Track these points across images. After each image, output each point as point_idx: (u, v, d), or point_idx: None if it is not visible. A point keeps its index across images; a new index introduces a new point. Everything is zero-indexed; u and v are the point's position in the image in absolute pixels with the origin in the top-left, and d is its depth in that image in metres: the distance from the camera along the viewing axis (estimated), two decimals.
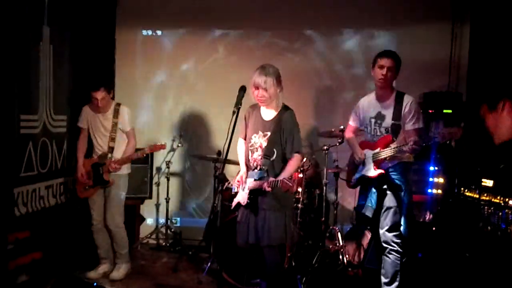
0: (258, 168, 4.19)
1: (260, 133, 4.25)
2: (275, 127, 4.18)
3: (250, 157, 4.31)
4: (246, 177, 4.28)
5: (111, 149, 5.05)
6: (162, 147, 5.19)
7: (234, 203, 4.39)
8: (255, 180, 4.16)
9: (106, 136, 5.06)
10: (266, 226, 4.17)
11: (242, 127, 4.46)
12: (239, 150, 4.50)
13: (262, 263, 4.43)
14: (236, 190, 4.43)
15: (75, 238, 5.41)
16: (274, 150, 4.16)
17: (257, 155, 4.24)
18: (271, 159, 4.16)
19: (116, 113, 5.06)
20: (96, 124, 5.09)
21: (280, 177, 4.00)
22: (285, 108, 4.27)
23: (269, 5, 6.45)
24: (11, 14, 4.40)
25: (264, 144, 4.19)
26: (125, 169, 5.16)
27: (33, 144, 4.81)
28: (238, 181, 4.37)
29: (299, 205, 5.14)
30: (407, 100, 4.34)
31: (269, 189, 4.03)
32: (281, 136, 4.17)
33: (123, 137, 5.13)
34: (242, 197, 4.26)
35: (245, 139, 4.47)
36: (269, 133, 4.19)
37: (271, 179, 4.04)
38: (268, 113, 4.29)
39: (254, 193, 4.18)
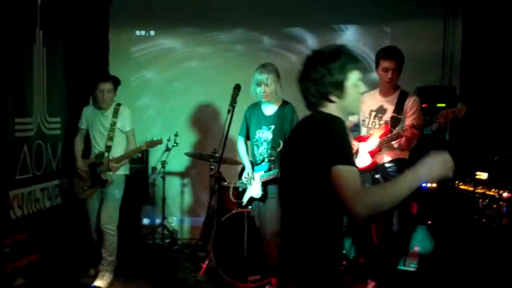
0: (266, 160, 4.42)
1: (264, 127, 4.50)
2: (277, 120, 4.44)
3: (255, 152, 4.56)
4: (253, 172, 4.54)
5: (108, 148, 4.98)
6: (159, 142, 5.12)
7: (246, 199, 4.60)
8: (265, 171, 4.42)
9: (105, 135, 5.01)
10: (274, 215, 4.33)
11: (243, 125, 4.71)
12: (241, 149, 4.75)
13: (261, 259, 4.53)
14: (244, 187, 4.67)
15: (72, 239, 5.41)
16: (280, 141, 4.41)
17: (263, 148, 4.49)
18: (278, 150, 4.40)
19: (116, 113, 5.03)
20: (95, 124, 5.04)
21: None
22: (285, 102, 4.54)
23: (263, 4, 6.46)
24: (3, 17, 4.39)
25: (270, 136, 4.44)
26: (123, 170, 5.08)
27: (28, 147, 4.81)
28: (246, 178, 4.58)
29: None
30: (411, 98, 4.41)
31: None
32: (283, 128, 4.42)
33: (122, 137, 5.07)
34: (254, 191, 4.49)
35: (245, 138, 4.68)
36: (273, 126, 4.44)
37: None
38: (270, 108, 4.54)
39: (267, 185, 4.44)
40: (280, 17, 6.45)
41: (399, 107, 4.37)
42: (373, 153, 4.39)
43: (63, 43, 5.51)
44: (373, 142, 4.39)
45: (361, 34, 6.43)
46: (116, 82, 5.05)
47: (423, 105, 5.57)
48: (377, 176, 4.40)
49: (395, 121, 4.36)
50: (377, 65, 4.42)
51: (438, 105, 5.66)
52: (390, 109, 4.41)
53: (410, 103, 4.36)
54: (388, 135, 4.31)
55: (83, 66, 5.88)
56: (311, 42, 6.49)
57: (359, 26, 6.43)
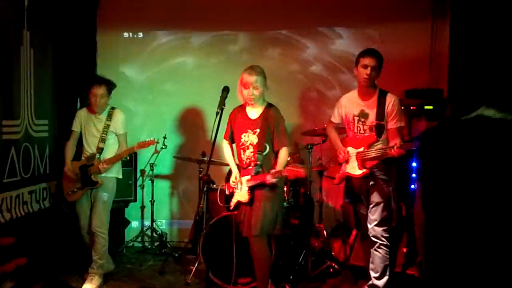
0: (253, 164, 4.36)
1: (249, 131, 4.43)
2: (263, 123, 4.38)
3: (242, 156, 4.49)
4: (240, 176, 4.47)
5: (100, 150, 4.98)
6: (151, 142, 5.09)
7: (233, 204, 4.53)
8: (252, 176, 4.35)
9: (97, 137, 5.02)
10: (258, 216, 4.32)
11: (227, 129, 4.65)
12: (226, 153, 4.68)
13: (250, 261, 4.52)
14: (230, 191, 4.59)
15: (60, 243, 5.37)
16: (266, 145, 4.37)
17: (249, 152, 4.42)
18: (264, 154, 4.36)
19: (110, 116, 5.05)
20: (89, 126, 5.05)
21: (277, 169, 4.25)
22: (269, 105, 4.50)
23: (251, 7, 6.44)
24: None
25: (255, 140, 4.38)
26: (115, 172, 5.09)
27: (15, 150, 4.76)
28: (234, 182, 4.51)
29: (285, 203, 5.16)
30: (390, 99, 4.40)
31: (274, 180, 4.22)
32: (269, 131, 4.38)
33: (115, 140, 5.08)
34: (242, 196, 4.43)
35: (230, 141, 4.64)
36: (258, 130, 4.38)
37: (273, 170, 4.24)
38: (254, 112, 4.49)
39: (253, 189, 4.37)
40: (269, 20, 6.45)
41: (380, 111, 4.38)
42: (362, 162, 4.41)
43: (50, 44, 5.47)
44: (361, 151, 4.42)
45: (348, 37, 6.44)
46: (110, 86, 5.03)
47: (411, 108, 5.64)
48: (372, 183, 4.43)
49: (379, 128, 4.39)
50: (357, 63, 4.45)
51: (426, 107, 5.72)
52: (371, 113, 4.41)
53: (390, 107, 4.37)
54: (375, 147, 4.34)
55: (71, 68, 5.85)
56: (302, 45, 6.50)
57: (346, 29, 6.45)
